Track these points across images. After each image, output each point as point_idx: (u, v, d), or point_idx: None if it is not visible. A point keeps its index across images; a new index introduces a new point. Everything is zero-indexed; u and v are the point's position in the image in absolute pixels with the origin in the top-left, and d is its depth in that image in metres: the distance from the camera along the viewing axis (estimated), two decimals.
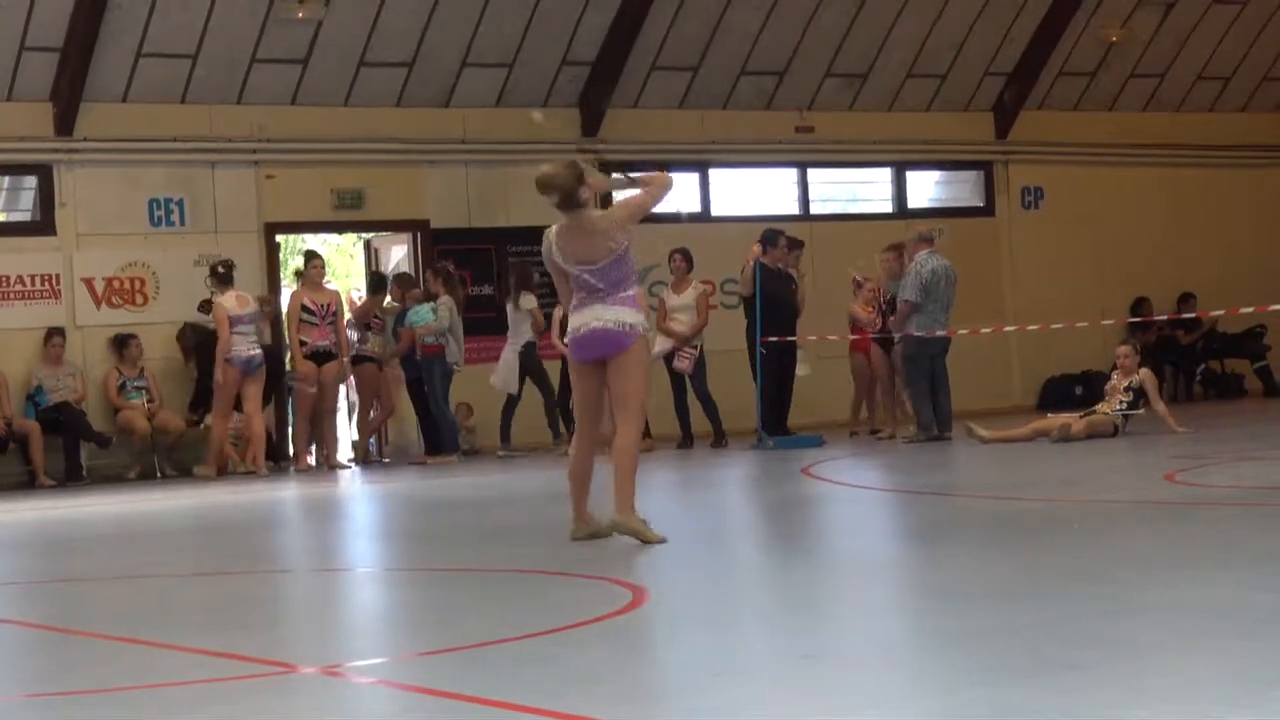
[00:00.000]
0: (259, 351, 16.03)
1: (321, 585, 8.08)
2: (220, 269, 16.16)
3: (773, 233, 16.51)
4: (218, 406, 15.98)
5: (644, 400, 8.46)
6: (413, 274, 17.97)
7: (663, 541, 8.07)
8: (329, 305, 16.50)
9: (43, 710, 4.89)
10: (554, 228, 8.44)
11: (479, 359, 17.77)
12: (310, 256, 17.21)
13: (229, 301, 15.93)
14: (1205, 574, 6.25)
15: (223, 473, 16.06)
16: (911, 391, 15.85)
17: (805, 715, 4.21)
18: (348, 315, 17.10)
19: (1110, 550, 7.19)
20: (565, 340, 8.67)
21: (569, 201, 8.34)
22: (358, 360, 16.93)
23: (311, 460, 16.68)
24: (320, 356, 16.39)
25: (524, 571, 7.60)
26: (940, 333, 15.68)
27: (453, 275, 16.93)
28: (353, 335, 17.01)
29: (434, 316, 16.53)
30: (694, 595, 6.74)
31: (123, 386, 16.54)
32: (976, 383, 18.45)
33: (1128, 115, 22.01)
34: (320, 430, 16.87)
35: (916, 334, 15.60)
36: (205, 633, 6.12)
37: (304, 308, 16.35)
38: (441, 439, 16.67)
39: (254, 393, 16.04)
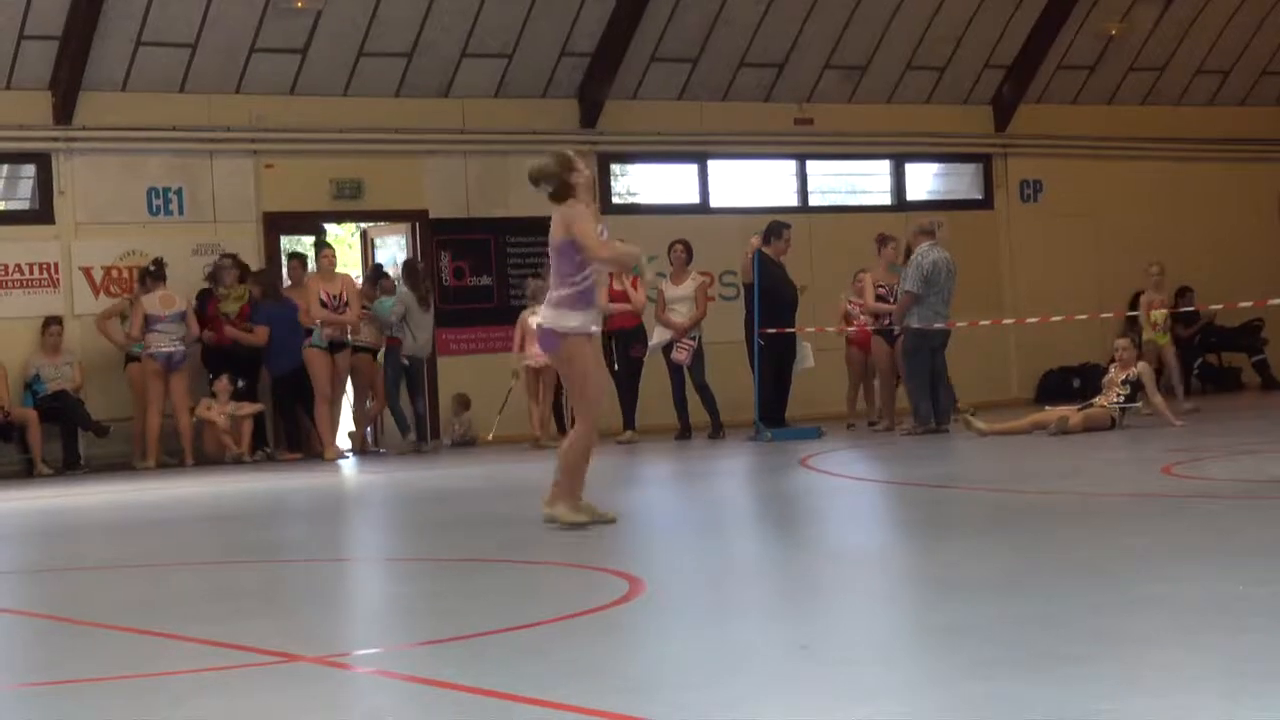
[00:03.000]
0: (179, 348, 16.29)
1: (320, 575, 8.09)
2: (151, 267, 16.46)
3: (778, 225, 16.51)
4: (149, 400, 16.26)
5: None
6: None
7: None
8: (340, 295, 16.54)
9: (41, 699, 4.89)
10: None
11: (478, 349, 17.80)
12: (320, 246, 17.31)
13: (151, 300, 16.21)
14: (1202, 567, 6.25)
15: (218, 461, 16.22)
16: (911, 384, 15.86)
17: (802, 707, 4.22)
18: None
19: (1107, 543, 7.20)
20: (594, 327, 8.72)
21: (562, 190, 8.57)
22: (353, 350, 16.97)
23: (346, 445, 16.78)
24: (333, 345, 16.46)
25: (521, 562, 7.61)
26: (940, 325, 15.69)
27: (416, 269, 17.14)
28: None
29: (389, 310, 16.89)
30: (691, 586, 6.75)
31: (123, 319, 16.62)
32: (975, 375, 18.45)
33: (1127, 109, 22.00)
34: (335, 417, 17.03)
35: (916, 326, 15.62)
36: (204, 622, 6.13)
37: (318, 299, 16.42)
38: (399, 426, 16.96)
39: (179, 389, 16.33)
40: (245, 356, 16.71)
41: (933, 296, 15.65)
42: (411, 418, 17.08)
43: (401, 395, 17.18)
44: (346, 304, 16.57)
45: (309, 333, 16.53)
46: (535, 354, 16.00)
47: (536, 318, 8.93)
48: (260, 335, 16.65)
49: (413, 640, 5.65)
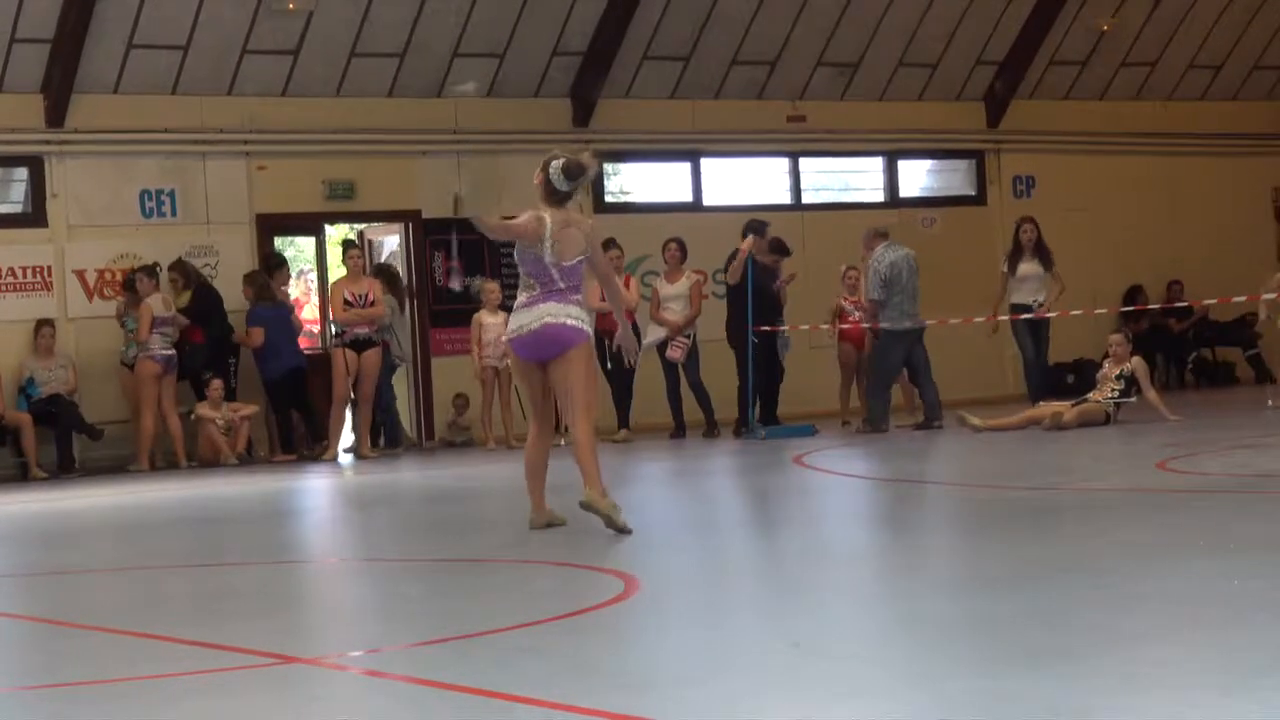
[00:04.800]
0: (175, 351, 16.37)
1: (313, 576, 8.08)
2: (146, 269, 16.45)
3: (758, 223, 16.48)
4: (143, 402, 16.27)
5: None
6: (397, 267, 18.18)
7: (628, 532, 7.99)
8: (368, 295, 16.53)
9: (37, 703, 4.88)
10: (550, 213, 8.47)
11: (471, 350, 17.76)
12: (347, 246, 17.34)
13: (156, 303, 16.26)
14: (1197, 562, 6.25)
15: (213, 463, 16.21)
16: (871, 382, 16.00)
17: (796, 704, 4.22)
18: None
19: (1102, 539, 7.20)
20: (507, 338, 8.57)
21: (569, 197, 8.53)
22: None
23: (340, 448, 16.75)
24: (360, 345, 16.45)
25: (516, 562, 7.61)
26: (908, 324, 15.67)
27: (396, 275, 17.31)
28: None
29: None
30: (686, 585, 6.75)
31: (123, 322, 16.55)
32: (968, 372, 18.43)
33: (1119, 104, 22.02)
34: (356, 418, 16.99)
35: (885, 326, 15.67)
36: (198, 624, 6.12)
37: (343, 298, 16.44)
38: (388, 431, 16.98)
39: (169, 391, 16.37)
40: (187, 361, 16.65)
41: (896, 297, 15.64)
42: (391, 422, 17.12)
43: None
44: (374, 304, 16.54)
45: (339, 332, 16.48)
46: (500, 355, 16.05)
47: (565, 317, 8.34)
48: (255, 337, 16.65)
49: (409, 641, 5.64)
